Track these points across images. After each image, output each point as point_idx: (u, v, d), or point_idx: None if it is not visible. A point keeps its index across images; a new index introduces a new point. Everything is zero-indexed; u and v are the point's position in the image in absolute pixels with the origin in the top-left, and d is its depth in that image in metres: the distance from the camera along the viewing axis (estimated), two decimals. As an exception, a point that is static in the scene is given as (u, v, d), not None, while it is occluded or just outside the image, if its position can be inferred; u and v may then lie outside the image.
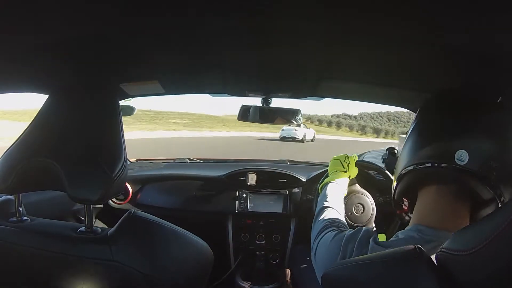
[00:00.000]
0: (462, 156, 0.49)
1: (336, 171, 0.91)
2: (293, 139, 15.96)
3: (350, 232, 0.59)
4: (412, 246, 0.42)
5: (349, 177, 0.93)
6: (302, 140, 16.18)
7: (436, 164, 0.51)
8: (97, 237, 0.59)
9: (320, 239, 0.65)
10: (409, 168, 0.55)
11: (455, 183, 0.52)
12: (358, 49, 0.66)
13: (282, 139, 16.05)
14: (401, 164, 0.58)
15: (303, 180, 1.37)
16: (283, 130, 16.52)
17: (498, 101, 0.59)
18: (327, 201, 0.77)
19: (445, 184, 0.53)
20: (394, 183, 0.61)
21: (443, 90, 0.61)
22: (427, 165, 0.53)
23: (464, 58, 0.60)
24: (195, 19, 0.53)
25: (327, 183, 0.86)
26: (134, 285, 0.56)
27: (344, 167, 0.92)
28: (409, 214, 0.61)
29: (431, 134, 0.56)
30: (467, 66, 0.63)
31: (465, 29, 0.49)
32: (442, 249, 0.40)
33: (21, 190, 0.62)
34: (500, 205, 0.50)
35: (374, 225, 1.07)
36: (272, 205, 1.37)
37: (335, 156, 0.97)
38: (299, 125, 15.94)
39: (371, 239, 0.55)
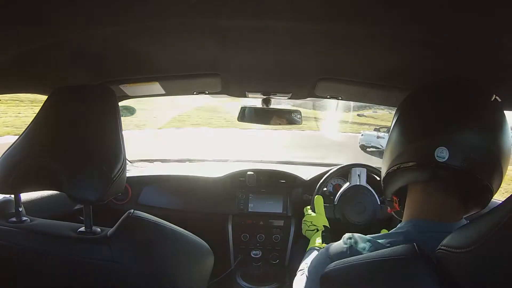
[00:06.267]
0: (442, 153, 0.48)
1: (312, 236, 1.02)
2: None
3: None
4: (412, 245, 0.42)
5: (322, 228, 1.04)
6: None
7: (418, 163, 0.51)
8: (97, 237, 0.59)
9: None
10: (393, 169, 0.55)
11: (439, 179, 0.51)
12: (358, 50, 0.66)
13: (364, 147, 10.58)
14: (386, 164, 0.58)
15: (303, 180, 1.38)
16: (362, 135, 10.69)
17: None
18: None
19: (430, 181, 0.53)
20: (382, 184, 0.61)
21: (419, 86, 0.59)
22: (409, 164, 0.52)
23: (465, 58, 0.60)
24: (195, 19, 0.54)
25: (309, 249, 0.94)
26: (134, 285, 0.56)
27: (312, 229, 1.04)
28: (401, 211, 0.61)
29: (409, 132, 0.54)
30: (467, 65, 0.63)
31: (467, 28, 0.49)
32: (442, 247, 0.40)
33: (20, 190, 0.62)
34: (490, 192, 0.50)
35: (374, 225, 1.07)
36: (272, 205, 1.37)
37: (303, 223, 1.09)
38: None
39: (365, 238, 0.55)
